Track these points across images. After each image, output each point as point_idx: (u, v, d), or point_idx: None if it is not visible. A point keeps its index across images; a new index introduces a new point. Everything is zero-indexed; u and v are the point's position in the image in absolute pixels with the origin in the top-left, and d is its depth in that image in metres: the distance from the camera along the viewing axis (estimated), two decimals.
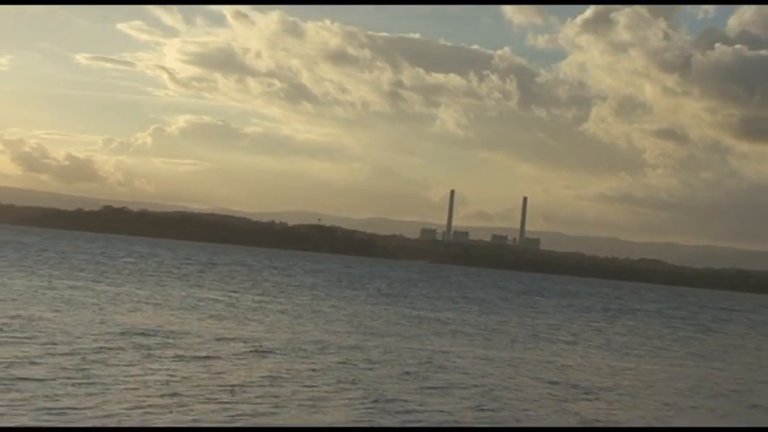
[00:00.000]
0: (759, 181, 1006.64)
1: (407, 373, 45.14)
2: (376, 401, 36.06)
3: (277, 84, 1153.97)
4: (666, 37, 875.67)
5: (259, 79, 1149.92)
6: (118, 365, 39.37)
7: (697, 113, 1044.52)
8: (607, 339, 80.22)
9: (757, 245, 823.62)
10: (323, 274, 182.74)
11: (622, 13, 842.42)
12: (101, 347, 44.19)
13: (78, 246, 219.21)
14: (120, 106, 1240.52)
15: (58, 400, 31.04)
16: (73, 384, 34.10)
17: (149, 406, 31.50)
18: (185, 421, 29.75)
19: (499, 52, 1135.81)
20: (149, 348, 45.49)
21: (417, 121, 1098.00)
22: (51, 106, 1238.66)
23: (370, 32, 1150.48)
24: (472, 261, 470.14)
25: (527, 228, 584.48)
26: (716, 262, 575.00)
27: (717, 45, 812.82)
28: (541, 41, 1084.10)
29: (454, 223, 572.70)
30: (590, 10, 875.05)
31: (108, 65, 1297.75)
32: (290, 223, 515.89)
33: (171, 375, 37.92)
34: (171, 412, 30.81)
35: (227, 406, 32.81)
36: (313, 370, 43.26)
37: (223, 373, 40.06)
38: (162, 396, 33.39)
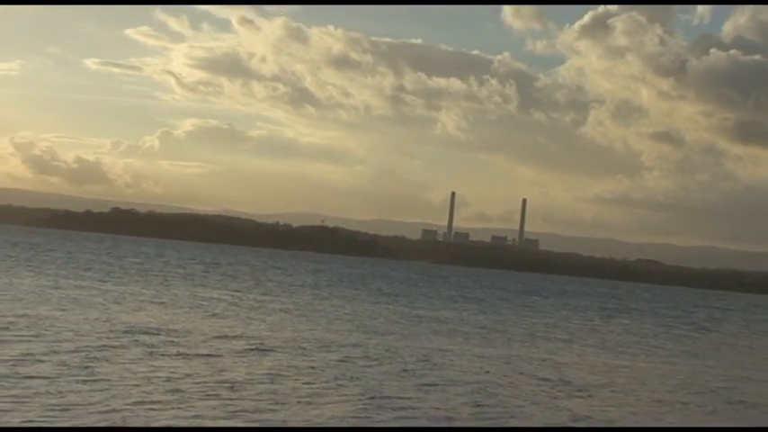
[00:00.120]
0: (753, 183, 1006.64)
1: (405, 370, 45.23)
2: (373, 398, 36.14)
3: (281, 88, 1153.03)
4: (662, 42, 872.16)
5: (264, 83, 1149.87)
6: (122, 363, 39.46)
7: (692, 117, 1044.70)
8: (602, 338, 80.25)
9: (752, 245, 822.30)
10: (325, 273, 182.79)
11: (619, 19, 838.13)
12: (105, 345, 44.29)
13: (85, 246, 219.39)
14: (128, 110, 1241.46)
15: (63, 397, 31.14)
16: (78, 381, 34.21)
17: (152, 402, 31.59)
18: (187, 417, 29.83)
19: (499, 57, 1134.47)
20: (153, 346, 45.59)
21: (419, 124, 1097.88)
22: (61, 110, 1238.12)
23: (372, 38, 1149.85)
24: (472, 261, 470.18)
25: (526, 229, 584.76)
26: (711, 262, 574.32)
27: (712, 50, 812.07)
28: (540, 47, 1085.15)
29: (455, 224, 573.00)
30: (588, 16, 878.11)
31: (116, 70, 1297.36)
32: (295, 224, 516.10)
33: (173, 372, 38.02)
34: (173, 408, 30.89)
35: (228, 402, 32.90)
36: (312, 367, 43.34)
37: (225, 370, 40.15)
38: (164, 392, 33.50)
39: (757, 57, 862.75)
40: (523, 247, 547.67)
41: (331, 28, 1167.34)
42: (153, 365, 39.46)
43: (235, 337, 53.20)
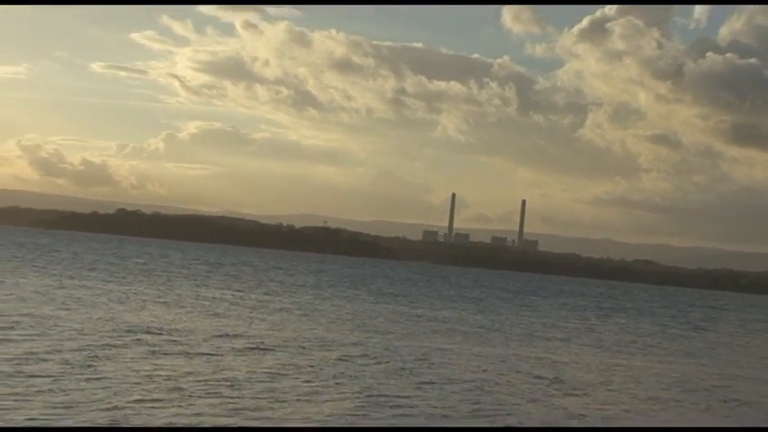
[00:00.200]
0: (749, 184, 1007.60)
1: (403, 368, 45.24)
2: (371, 396, 36.17)
3: (284, 91, 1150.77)
4: (660, 46, 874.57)
5: (267, 87, 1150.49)
6: (125, 361, 39.50)
7: (689, 120, 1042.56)
8: (599, 337, 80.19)
9: (747, 246, 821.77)
10: (326, 274, 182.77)
11: (617, 23, 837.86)
12: (108, 344, 44.31)
13: (91, 247, 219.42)
14: (133, 113, 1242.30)
15: (67, 395, 31.19)
16: (81, 379, 34.24)
17: (154, 400, 31.65)
18: (188, 414, 29.86)
19: (499, 61, 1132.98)
20: (155, 345, 45.62)
21: (420, 126, 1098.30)
22: (67, 113, 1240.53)
23: (374, 42, 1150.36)
24: (472, 262, 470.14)
25: (525, 230, 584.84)
26: (707, 262, 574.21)
27: (708, 54, 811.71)
28: (539, 50, 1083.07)
29: (455, 225, 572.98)
30: (586, 20, 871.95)
31: (122, 73, 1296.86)
32: (297, 225, 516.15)
33: (175, 371, 38.04)
34: (174, 406, 30.92)
35: (228, 400, 32.95)
36: (312, 366, 43.36)
37: (226, 368, 40.17)
38: (166, 390, 33.52)
39: (753, 60, 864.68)
40: (523, 247, 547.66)
41: (333, 32, 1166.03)
42: (155, 364, 39.49)
43: (236, 336, 53.21)
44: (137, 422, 28.36)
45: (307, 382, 38.50)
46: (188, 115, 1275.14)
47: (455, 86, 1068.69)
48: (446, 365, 48.02)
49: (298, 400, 34.29)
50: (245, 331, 56.24)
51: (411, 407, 34.79)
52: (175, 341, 48.01)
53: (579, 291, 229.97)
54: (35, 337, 44.19)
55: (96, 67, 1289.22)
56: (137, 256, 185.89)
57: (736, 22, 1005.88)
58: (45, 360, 37.79)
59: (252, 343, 50.21)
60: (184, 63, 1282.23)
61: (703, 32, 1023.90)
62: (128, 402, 30.77)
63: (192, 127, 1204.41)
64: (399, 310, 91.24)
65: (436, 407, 35.33)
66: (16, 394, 30.58)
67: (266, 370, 40.62)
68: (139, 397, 31.86)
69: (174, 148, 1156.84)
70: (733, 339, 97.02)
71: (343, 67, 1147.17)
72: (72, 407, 29.43)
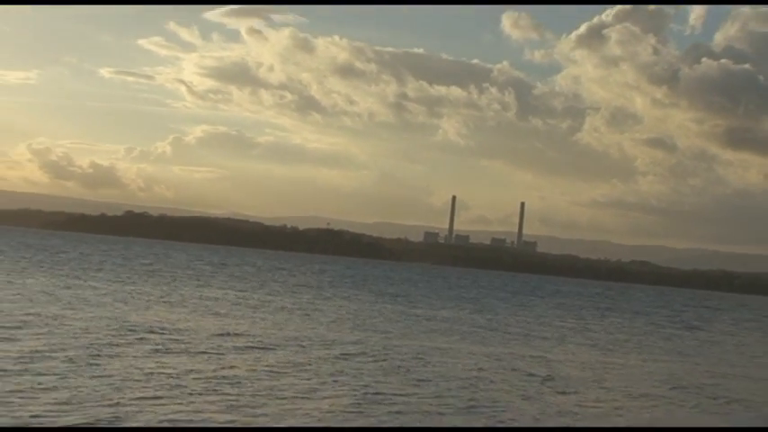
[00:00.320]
0: (743, 187, 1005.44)
1: (401, 366, 45.35)
2: (367, 393, 36.28)
3: (288, 96, 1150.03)
4: (656, 52, 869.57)
5: (271, 91, 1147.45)
6: (128, 360, 39.65)
7: (684, 124, 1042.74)
8: (594, 336, 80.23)
9: (741, 247, 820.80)
10: (328, 274, 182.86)
11: (614, 30, 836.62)
12: (112, 343, 44.49)
13: (98, 248, 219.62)
14: (141, 117, 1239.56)
15: (71, 392, 31.33)
16: (85, 377, 34.39)
17: (156, 397, 31.81)
18: (189, 411, 30.01)
19: (498, 66, 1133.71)
20: (158, 344, 45.78)
21: (421, 130, 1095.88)
22: (77, 117, 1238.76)
23: (376, 47, 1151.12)
24: (472, 263, 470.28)
25: (524, 231, 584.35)
26: (702, 263, 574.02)
27: (703, 59, 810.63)
28: (538, 56, 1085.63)
29: (455, 227, 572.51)
30: (584, 26, 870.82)
31: (130, 78, 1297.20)
32: (301, 227, 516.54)
33: (177, 369, 38.19)
34: (175, 403, 31.06)
35: (229, 397, 33.10)
36: (311, 364, 43.49)
37: (226, 366, 40.30)
38: (168, 388, 33.67)
39: (747, 66, 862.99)
40: (522, 248, 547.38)
41: (336, 38, 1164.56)
42: (158, 362, 39.65)
43: (238, 334, 53.34)
44: (139, 418, 28.51)
45: (306, 379, 38.64)
46: (194, 119, 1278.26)
47: (455, 91, 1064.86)
48: (443, 364, 48.12)
49: (296, 397, 34.43)
50: (247, 330, 56.39)
51: (406, 404, 34.90)
52: (178, 340, 48.16)
53: (576, 291, 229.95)
54: (41, 336, 44.35)
55: (105, 72, 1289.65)
56: (143, 257, 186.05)
57: (731, 28, 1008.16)
58: (51, 358, 37.96)
59: (253, 342, 50.35)
60: (191, 69, 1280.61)
61: (698, 38, 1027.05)
62: (131, 399, 30.93)
63: (199, 131, 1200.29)
64: (399, 309, 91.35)
65: (431, 403, 35.46)
66: (23, 391, 30.76)
67: (267, 368, 40.76)
68: (142, 394, 32.03)
69: (181, 152, 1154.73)
70: (725, 338, 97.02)
71: (346, 72, 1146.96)
72: (76, 403, 29.58)
